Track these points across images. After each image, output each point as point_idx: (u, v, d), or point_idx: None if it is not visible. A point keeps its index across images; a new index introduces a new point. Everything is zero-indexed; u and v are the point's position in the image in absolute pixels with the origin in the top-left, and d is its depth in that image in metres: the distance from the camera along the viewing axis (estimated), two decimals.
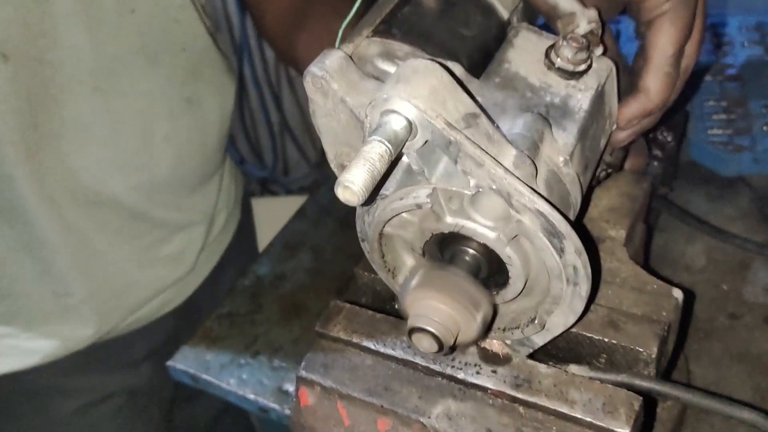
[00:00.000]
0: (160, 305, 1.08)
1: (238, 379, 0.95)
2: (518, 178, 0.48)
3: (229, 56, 1.07)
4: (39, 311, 0.96)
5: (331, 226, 1.13)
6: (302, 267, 1.08)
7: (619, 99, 0.65)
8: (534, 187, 0.49)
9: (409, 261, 0.57)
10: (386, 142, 0.45)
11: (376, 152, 0.45)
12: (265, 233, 1.32)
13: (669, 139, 0.91)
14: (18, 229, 0.89)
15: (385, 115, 0.47)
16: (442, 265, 0.52)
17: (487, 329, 0.51)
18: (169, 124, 0.95)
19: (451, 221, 0.50)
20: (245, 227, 1.29)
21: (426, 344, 0.48)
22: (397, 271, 0.57)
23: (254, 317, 1.03)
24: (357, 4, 0.67)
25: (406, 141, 0.48)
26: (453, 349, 0.51)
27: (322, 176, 2.82)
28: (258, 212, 1.64)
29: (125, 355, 1.08)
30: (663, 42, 0.60)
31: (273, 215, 1.45)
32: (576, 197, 0.56)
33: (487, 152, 0.48)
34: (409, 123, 0.47)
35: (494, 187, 0.48)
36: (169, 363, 0.97)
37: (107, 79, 0.86)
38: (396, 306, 0.67)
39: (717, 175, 1.05)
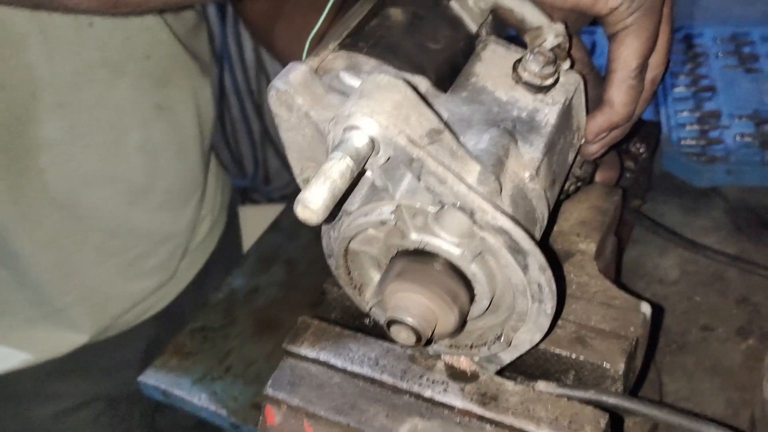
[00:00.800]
0: (142, 312, 1.08)
1: (210, 394, 0.93)
2: (482, 195, 0.47)
3: (203, 59, 1.06)
4: (17, 317, 0.95)
5: (305, 239, 1.12)
6: (276, 280, 1.07)
7: (588, 113, 0.65)
8: (498, 203, 0.49)
9: (376, 277, 0.56)
10: (348, 159, 0.45)
11: (337, 169, 0.44)
12: (247, 242, 1.32)
13: (642, 150, 0.91)
14: None
15: (347, 131, 0.47)
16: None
17: (463, 322, 0.51)
18: (141, 132, 0.94)
19: (415, 238, 0.50)
20: (231, 233, 1.28)
21: (404, 336, 0.49)
22: (364, 287, 0.57)
23: (227, 331, 1.02)
24: (324, 14, 0.66)
25: (369, 157, 0.47)
26: (430, 341, 0.51)
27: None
28: (241, 220, 1.63)
29: (106, 361, 1.07)
30: (626, 55, 0.60)
31: (254, 223, 1.44)
32: (542, 213, 0.55)
33: (450, 169, 0.47)
34: (372, 139, 0.46)
35: (457, 203, 0.47)
36: (140, 378, 0.96)
37: (70, 95, 0.85)
38: (366, 322, 0.67)
39: (691, 186, 1.05)
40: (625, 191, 0.77)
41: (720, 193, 1.04)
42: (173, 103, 0.98)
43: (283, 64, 1.21)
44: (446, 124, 0.50)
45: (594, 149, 0.67)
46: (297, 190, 0.57)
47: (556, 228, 0.71)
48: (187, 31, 1.02)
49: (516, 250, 0.47)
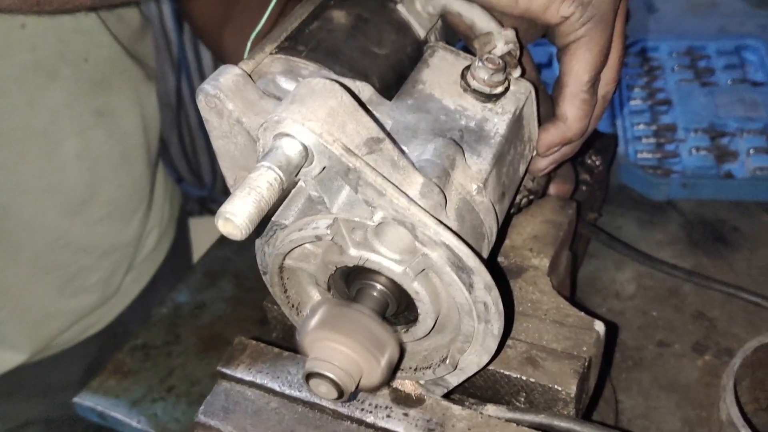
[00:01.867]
0: (82, 329, 1.02)
1: (150, 416, 0.88)
2: (423, 209, 0.44)
3: (148, 64, 1.02)
4: None
5: (254, 253, 1.08)
6: (223, 296, 1.02)
7: (540, 124, 0.62)
8: (442, 217, 0.46)
9: (314, 295, 0.53)
10: (276, 169, 0.41)
11: (264, 180, 0.40)
12: (203, 253, 1.27)
13: (598, 163, 0.89)
14: None
15: (277, 138, 0.43)
16: (345, 302, 0.48)
17: (392, 373, 0.47)
18: (79, 139, 0.90)
19: (354, 254, 0.46)
20: (180, 247, 1.23)
21: (324, 390, 0.44)
22: (302, 306, 0.53)
23: (170, 349, 0.97)
24: (266, 15, 0.63)
25: (302, 167, 0.44)
26: (354, 395, 0.47)
27: None
28: (196, 232, 1.57)
29: (43, 382, 1.01)
30: (578, 68, 0.58)
31: (212, 235, 1.39)
32: (491, 227, 0.52)
33: (390, 180, 0.44)
34: (305, 148, 0.43)
35: (397, 217, 0.44)
36: (76, 399, 0.91)
37: (0, 100, 0.80)
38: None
39: (647, 199, 1.04)
40: (581, 204, 0.75)
41: (676, 206, 1.03)
42: (114, 110, 0.93)
43: None
44: (388, 134, 0.47)
45: (544, 164, 0.64)
46: None
47: (508, 242, 0.68)
48: (130, 35, 0.97)
49: (460, 267, 0.44)
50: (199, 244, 1.46)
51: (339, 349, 0.44)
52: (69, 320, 1.00)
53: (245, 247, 1.09)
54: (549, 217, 0.71)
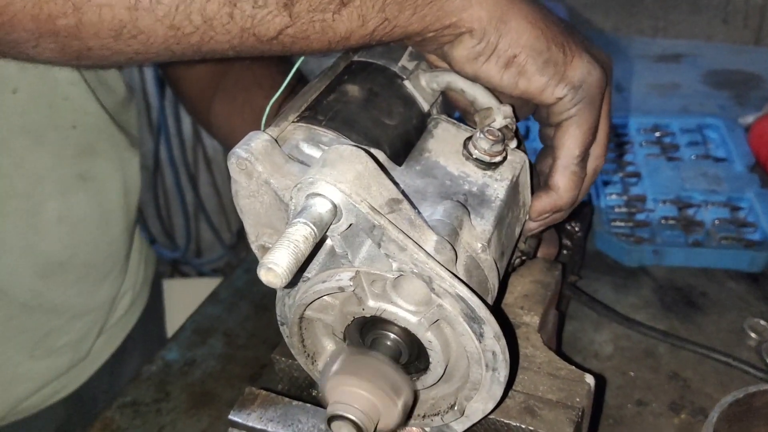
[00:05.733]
0: (50, 394, 1.00)
1: None
2: (439, 263, 0.48)
3: (132, 132, 1.05)
4: None
5: (245, 311, 1.11)
6: (214, 353, 1.04)
7: (532, 192, 0.68)
8: (454, 272, 0.50)
9: (329, 346, 0.56)
10: (311, 225, 0.45)
11: (300, 234, 0.45)
12: (176, 316, 1.27)
13: (577, 229, 0.95)
14: None
15: (310, 198, 0.48)
16: (362, 350, 0.52)
17: (408, 416, 0.51)
18: (60, 202, 0.91)
19: (373, 305, 0.50)
20: (153, 310, 1.23)
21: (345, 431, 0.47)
22: (317, 356, 0.56)
23: (160, 406, 0.98)
24: (285, 82, 0.68)
25: (331, 224, 0.48)
26: None
27: (236, 259, 2.78)
28: (168, 294, 1.58)
29: None
30: (570, 143, 0.64)
31: (184, 297, 1.40)
32: (494, 282, 0.57)
33: (409, 237, 0.49)
34: (335, 206, 0.48)
35: (416, 271, 0.48)
36: None
37: None
38: (314, 393, 0.66)
39: (621, 265, 1.10)
40: (565, 266, 0.80)
41: (648, 272, 1.09)
42: (98, 175, 0.95)
43: (221, 140, 1.20)
44: (406, 195, 0.51)
45: (533, 226, 0.70)
46: (229, 264, 0.57)
47: (501, 301, 0.73)
48: (116, 104, 1.00)
49: (472, 318, 0.48)
50: (172, 306, 1.47)
51: (359, 393, 0.47)
52: (37, 383, 0.99)
53: (235, 306, 1.12)
54: (538, 278, 0.76)
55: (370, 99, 0.64)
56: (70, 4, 0.52)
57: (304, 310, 0.53)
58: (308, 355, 0.56)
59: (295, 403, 0.61)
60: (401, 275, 0.49)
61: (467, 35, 0.59)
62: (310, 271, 0.52)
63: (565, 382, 0.62)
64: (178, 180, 2.64)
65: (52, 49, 0.56)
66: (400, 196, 0.51)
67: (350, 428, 0.47)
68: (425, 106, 0.68)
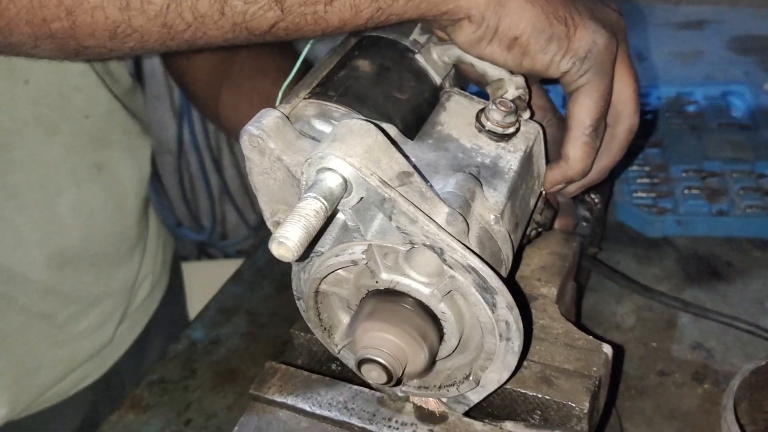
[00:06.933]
0: (77, 381, 1.02)
1: None
2: (451, 235, 0.49)
3: (143, 118, 1.06)
4: None
5: (267, 290, 1.12)
6: (237, 331, 1.06)
7: (552, 157, 0.68)
8: (466, 243, 0.51)
9: (345, 319, 0.57)
10: (322, 199, 0.46)
11: (311, 208, 0.45)
12: (201, 297, 1.29)
13: (596, 201, 0.94)
14: None
15: (320, 172, 0.48)
16: (390, 297, 0.53)
17: (432, 362, 0.52)
18: (76, 193, 0.92)
19: (386, 277, 0.51)
20: (174, 293, 1.24)
21: (375, 375, 0.49)
22: (333, 329, 0.57)
23: (187, 383, 1.00)
24: (297, 65, 0.68)
25: (342, 198, 0.49)
26: (400, 381, 0.51)
27: (261, 240, 2.81)
28: (194, 276, 1.59)
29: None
30: (580, 113, 0.64)
31: (209, 279, 1.42)
32: (507, 254, 0.57)
33: (420, 209, 0.49)
34: (345, 180, 0.48)
35: (427, 243, 0.48)
36: None
37: (2, 154, 0.84)
38: (333, 367, 0.67)
39: (643, 236, 1.09)
40: (584, 239, 0.80)
41: (671, 243, 1.08)
42: (112, 164, 0.96)
43: (228, 130, 1.20)
44: (417, 168, 0.52)
45: (572, 190, 0.70)
46: (254, 246, 0.58)
47: (517, 273, 0.73)
48: (124, 93, 1.01)
49: (484, 288, 0.49)
50: (197, 289, 1.48)
51: (388, 338, 0.49)
52: (63, 370, 1.01)
53: (258, 285, 1.13)
54: (555, 250, 0.76)
55: (382, 74, 0.64)
56: (63, 8, 0.53)
57: (319, 283, 0.54)
58: (325, 328, 0.57)
59: (314, 376, 0.62)
60: (413, 247, 0.49)
61: (466, 21, 0.59)
62: (323, 245, 0.53)
63: (582, 352, 0.62)
64: (202, 163, 2.66)
65: (50, 49, 0.57)
66: (411, 169, 0.51)
67: (380, 371, 0.49)
68: (437, 80, 0.68)
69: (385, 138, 0.50)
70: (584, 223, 0.90)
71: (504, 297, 0.49)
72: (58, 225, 0.92)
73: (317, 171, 0.48)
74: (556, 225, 0.79)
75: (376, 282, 0.51)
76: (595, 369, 0.60)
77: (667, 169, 1.16)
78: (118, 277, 1.03)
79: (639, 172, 1.17)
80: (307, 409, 0.59)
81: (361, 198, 0.49)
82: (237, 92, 0.99)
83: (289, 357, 0.99)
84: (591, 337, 0.65)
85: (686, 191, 1.12)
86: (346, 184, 0.48)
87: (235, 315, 1.09)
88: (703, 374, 0.89)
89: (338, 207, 0.49)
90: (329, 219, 0.48)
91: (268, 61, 0.98)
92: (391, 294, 0.51)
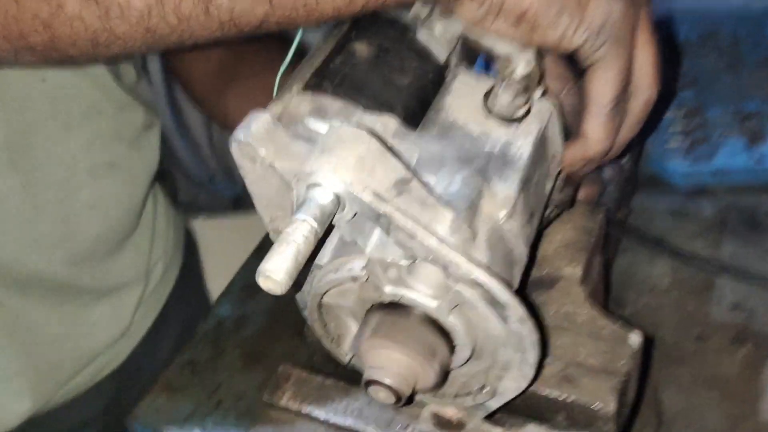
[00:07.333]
0: (97, 370, 1.02)
1: (202, 431, 0.92)
2: (454, 247, 0.45)
3: (151, 106, 1.04)
4: None
5: None
6: (263, 308, 1.04)
7: (571, 132, 0.63)
8: (473, 251, 0.47)
9: (353, 327, 0.55)
10: (312, 220, 0.43)
11: (300, 234, 0.42)
12: (239, 252, 1.27)
13: (625, 160, 0.89)
14: None
15: (310, 188, 0.45)
16: (395, 310, 0.50)
17: (444, 376, 0.50)
18: (92, 189, 0.91)
19: (390, 291, 0.48)
20: (189, 271, 1.24)
21: (383, 396, 0.47)
22: (342, 339, 0.55)
23: (216, 363, 1.00)
24: (291, 53, 0.64)
25: (335, 214, 0.45)
26: (411, 399, 0.49)
27: None
28: (230, 230, 1.58)
29: (62, 426, 1.01)
30: (598, 89, 0.58)
31: (246, 233, 1.41)
32: (521, 252, 0.53)
33: (419, 221, 0.45)
34: (337, 196, 0.45)
35: (429, 258, 0.45)
36: (130, 419, 0.94)
37: (23, 153, 0.83)
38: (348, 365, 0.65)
39: (678, 188, 1.03)
40: (610, 209, 0.76)
41: (708, 193, 1.02)
42: (126, 159, 0.95)
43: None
44: (414, 172, 0.48)
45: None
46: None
47: (540, 252, 0.69)
48: (131, 86, 0.99)
49: (494, 302, 0.45)
50: (233, 243, 1.47)
51: (395, 357, 0.46)
52: (82, 362, 1.01)
53: None
54: (579, 224, 0.72)
55: (380, 57, 0.60)
56: (39, 21, 0.51)
57: (321, 297, 0.51)
58: (332, 338, 0.55)
59: (328, 381, 0.60)
60: (415, 261, 0.46)
61: None
62: (323, 258, 0.50)
63: (609, 343, 0.59)
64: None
65: (33, 60, 0.56)
66: (409, 175, 0.47)
67: (387, 392, 0.47)
68: (442, 57, 0.63)
69: (378, 144, 0.46)
70: (611, 186, 0.85)
71: (515, 310, 0.45)
72: (75, 223, 0.91)
73: (307, 187, 0.45)
74: (580, 196, 0.75)
75: (380, 296, 0.49)
76: (622, 363, 0.57)
77: (703, 113, 1.09)
78: (131, 265, 1.03)
79: (672, 118, 1.10)
80: (322, 416, 0.58)
81: (356, 213, 0.45)
82: (243, 89, 0.97)
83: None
84: (618, 325, 0.62)
85: (723, 136, 1.05)
86: (338, 200, 0.45)
87: (259, 291, 1.07)
88: (743, 337, 0.85)
89: (333, 222, 0.46)
90: (325, 235, 0.45)
91: (274, 56, 0.95)
92: (397, 307, 0.48)
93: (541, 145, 0.58)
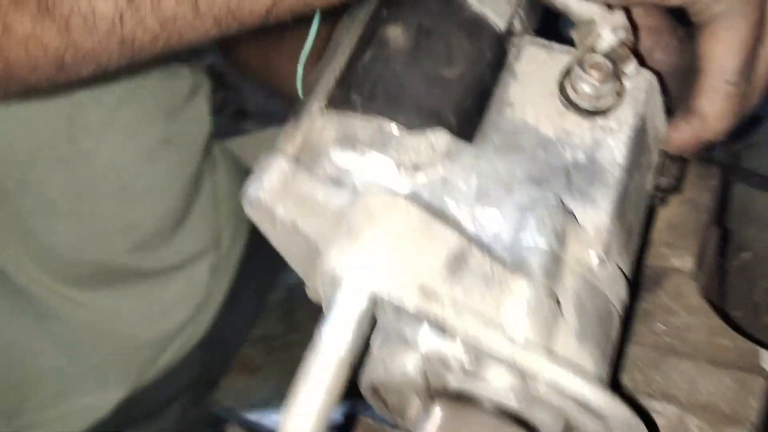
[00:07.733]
0: (180, 346, 1.00)
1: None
2: (531, 347, 0.35)
3: (196, 64, 0.94)
4: (53, 390, 0.90)
5: None
6: None
7: (670, 112, 0.49)
8: (556, 331, 0.37)
9: (416, 402, 0.46)
10: (341, 349, 0.33)
11: (327, 374, 0.33)
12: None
13: None
14: (27, 315, 0.83)
15: (338, 290, 0.35)
16: (460, 403, 0.41)
17: None
18: (146, 174, 0.85)
19: (456, 384, 0.38)
20: (259, 234, 1.17)
21: None
22: (404, 412, 0.46)
23: (290, 338, 0.95)
24: (308, 43, 0.53)
25: (373, 313, 0.35)
26: None
27: None
28: None
29: (154, 402, 1.00)
30: (719, 53, 0.44)
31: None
32: (620, 296, 0.42)
33: (484, 312, 0.35)
34: (373, 296, 0.34)
35: (499, 359, 0.35)
36: (209, 404, 0.92)
37: (67, 148, 0.77)
38: None
39: None
40: (727, 168, 0.61)
41: None
42: (178, 132, 0.88)
43: (258, 77, 1.04)
44: (472, 237, 0.37)
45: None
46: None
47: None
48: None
49: (587, 409, 0.35)
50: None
51: None
52: (162, 341, 0.98)
53: None
54: (687, 196, 0.59)
55: (421, 43, 0.47)
56: None
57: (375, 384, 0.42)
58: (394, 413, 0.46)
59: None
60: (479, 358, 0.36)
61: None
62: (375, 340, 0.41)
63: (734, 374, 0.48)
64: None
65: None
66: (465, 243, 0.36)
67: None
68: (501, 24, 0.49)
69: (420, 211, 0.35)
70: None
71: (617, 418, 0.35)
72: (132, 210, 0.87)
73: (333, 286, 0.35)
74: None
75: (444, 387, 0.39)
76: (752, 403, 0.46)
77: None
78: (199, 236, 0.97)
79: None
80: None
81: (400, 311, 0.35)
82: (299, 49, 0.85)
83: None
84: (744, 339, 0.50)
85: None
86: (375, 299, 0.35)
87: None
88: None
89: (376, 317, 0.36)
90: (366, 339, 0.36)
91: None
92: (465, 399, 0.39)
93: (638, 137, 0.45)
